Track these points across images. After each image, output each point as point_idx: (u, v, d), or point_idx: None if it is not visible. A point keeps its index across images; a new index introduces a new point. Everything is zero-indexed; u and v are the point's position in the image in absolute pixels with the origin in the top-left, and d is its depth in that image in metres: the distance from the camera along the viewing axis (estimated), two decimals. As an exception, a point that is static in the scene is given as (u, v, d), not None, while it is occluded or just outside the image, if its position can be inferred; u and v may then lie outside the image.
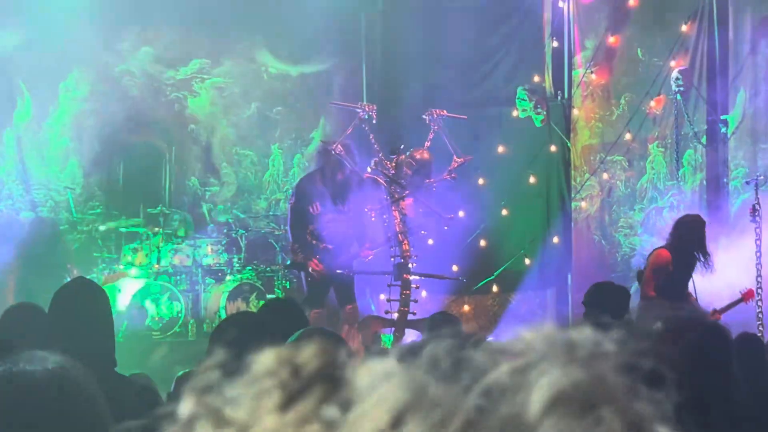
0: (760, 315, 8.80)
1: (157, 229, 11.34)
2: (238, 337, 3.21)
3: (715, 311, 8.07)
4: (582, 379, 0.57)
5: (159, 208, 11.58)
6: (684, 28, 11.06)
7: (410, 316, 8.76)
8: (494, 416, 0.55)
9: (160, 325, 10.90)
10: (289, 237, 9.81)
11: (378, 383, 0.58)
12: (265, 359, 0.60)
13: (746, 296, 8.30)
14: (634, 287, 8.68)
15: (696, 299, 8.14)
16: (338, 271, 9.48)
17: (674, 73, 11.01)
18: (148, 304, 10.91)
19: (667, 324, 2.07)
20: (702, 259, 8.01)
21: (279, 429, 0.56)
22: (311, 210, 9.29)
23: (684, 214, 8.91)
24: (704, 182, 10.92)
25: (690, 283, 8.12)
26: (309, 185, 9.53)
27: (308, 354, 0.60)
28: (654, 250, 8.43)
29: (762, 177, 9.43)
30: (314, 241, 9.28)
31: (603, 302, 5.35)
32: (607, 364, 0.58)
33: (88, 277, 9.87)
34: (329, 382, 0.58)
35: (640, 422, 0.57)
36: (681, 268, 8.00)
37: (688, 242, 8.08)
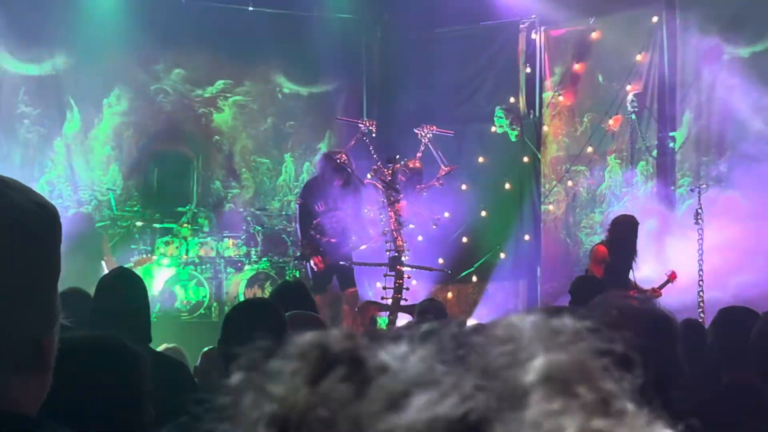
0: (701, 303, 8.81)
1: (186, 225, 11.35)
2: (246, 319, 3.21)
3: (654, 289, 8.37)
4: (564, 361, 0.58)
5: (188, 207, 11.59)
6: (639, 57, 11.06)
7: (402, 302, 8.76)
8: (491, 391, 0.56)
9: (188, 307, 10.90)
10: (298, 233, 9.80)
11: (393, 362, 0.59)
12: (300, 341, 0.61)
13: (671, 276, 8.47)
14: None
15: (636, 284, 8.28)
16: (341, 263, 9.48)
17: (630, 96, 11.01)
18: (178, 289, 10.92)
19: (623, 312, 2.07)
20: (634, 253, 8.17)
21: (310, 400, 0.58)
22: (317, 208, 9.29)
23: (619, 214, 8.93)
24: (655, 189, 10.92)
25: (630, 273, 8.24)
26: (315, 187, 9.52)
27: (336, 337, 0.61)
28: (593, 246, 8.50)
29: (704, 185, 9.43)
30: (318, 236, 9.28)
31: (586, 293, 5.33)
32: (584, 348, 0.59)
33: (125, 266, 9.97)
34: (353, 362, 0.59)
35: (610, 398, 0.58)
36: (618, 261, 8.13)
37: (621, 239, 8.18)
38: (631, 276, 8.29)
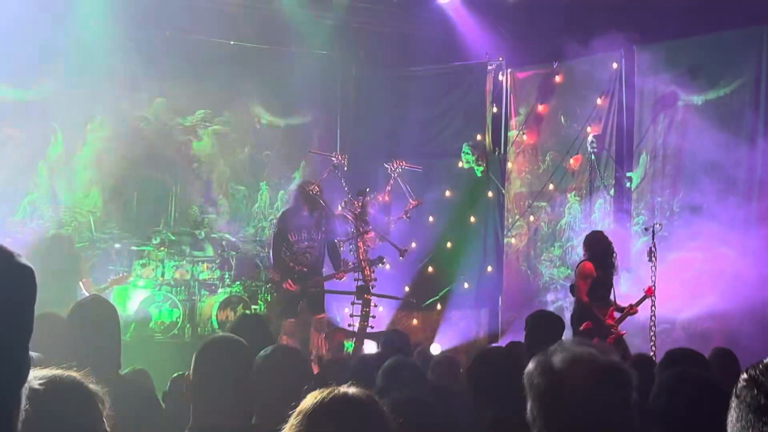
0: (653, 337, 8.87)
1: (162, 248, 11.28)
2: (223, 358, 3.19)
3: (631, 306, 8.55)
4: None
5: (165, 231, 11.52)
6: (599, 101, 11.18)
7: (369, 329, 8.74)
8: None
9: (162, 327, 10.82)
10: (271, 259, 9.74)
11: None
12: None
13: (648, 291, 8.59)
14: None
15: (615, 301, 8.48)
16: (312, 290, 9.44)
17: (590, 137, 11.11)
18: (153, 310, 10.85)
19: (577, 362, 2.04)
20: (613, 264, 8.35)
21: None
22: (290, 237, 9.25)
23: (590, 231, 9.06)
24: (611, 226, 10.99)
25: (611, 290, 8.40)
26: (290, 217, 9.47)
27: None
28: (579, 263, 8.58)
29: (658, 225, 9.51)
30: (291, 264, 9.23)
31: (542, 328, 5.31)
32: None
33: (102, 285, 9.88)
34: None
35: None
36: (602, 274, 8.29)
37: (600, 253, 8.36)
38: (611, 293, 8.46)
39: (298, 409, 2.07)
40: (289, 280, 8.96)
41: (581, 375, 1.99)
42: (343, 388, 2.10)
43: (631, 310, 8.48)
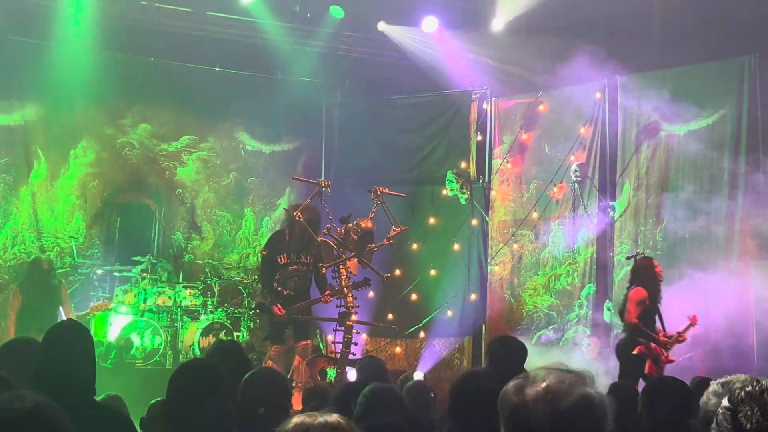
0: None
1: (145, 274, 11.20)
2: (197, 383, 3.15)
3: (679, 333, 8.46)
4: None
5: (148, 257, 11.44)
6: (582, 130, 11.22)
7: (351, 356, 8.67)
8: None
9: (143, 354, 10.71)
10: (261, 282, 9.66)
11: None
12: None
13: (693, 320, 8.54)
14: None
15: (662, 328, 8.41)
16: (295, 316, 9.37)
17: (573, 166, 11.14)
18: (134, 337, 10.74)
19: (551, 393, 2.01)
20: (659, 291, 8.32)
21: None
22: (279, 260, 9.21)
23: (641, 257, 8.92)
24: (594, 255, 11.01)
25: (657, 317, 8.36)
26: (278, 240, 9.45)
27: None
28: (630, 288, 8.46)
29: (641, 254, 9.50)
30: (279, 288, 9.17)
31: (503, 353, 5.24)
32: None
33: (83, 312, 9.79)
34: None
35: None
36: (650, 301, 8.27)
37: (650, 279, 8.32)
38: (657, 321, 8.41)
39: None
40: (278, 306, 8.90)
41: (550, 404, 1.96)
42: (323, 415, 2.11)
43: (680, 337, 8.43)
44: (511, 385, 2.01)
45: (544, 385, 1.98)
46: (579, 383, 1.99)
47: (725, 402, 1.61)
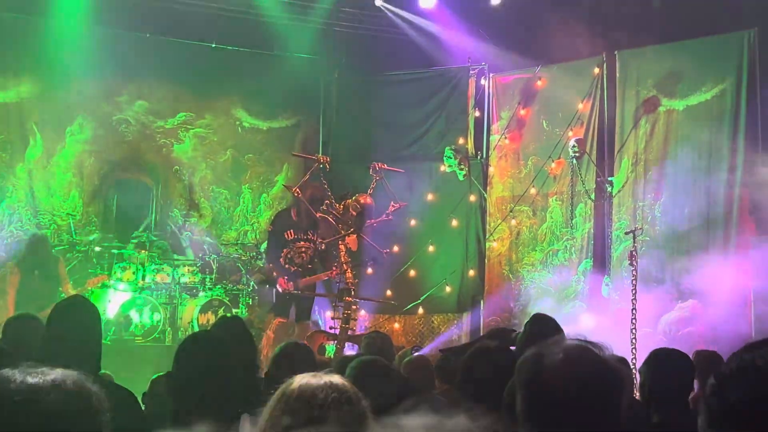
0: (633, 341, 8.86)
1: (143, 251, 11.18)
2: (203, 355, 3.15)
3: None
4: None
5: (146, 234, 11.43)
6: (580, 105, 11.19)
7: (350, 332, 8.70)
8: None
9: (142, 331, 10.73)
10: (265, 258, 9.70)
11: None
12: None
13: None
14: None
15: None
16: (295, 292, 9.41)
17: (571, 142, 11.12)
18: (133, 314, 10.75)
19: (568, 358, 2.02)
20: None
21: None
22: (286, 236, 9.23)
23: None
24: (592, 231, 11.02)
25: None
26: (284, 217, 9.49)
27: None
28: None
29: (639, 229, 9.52)
30: (287, 265, 9.22)
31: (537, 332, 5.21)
32: None
33: (82, 291, 9.80)
34: None
35: None
36: None
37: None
38: None
39: (281, 390, 2.12)
40: (283, 279, 8.95)
41: (568, 371, 1.97)
42: (326, 376, 2.19)
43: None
44: (529, 353, 2.02)
45: (562, 354, 1.99)
46: (596, 352, 2.00)
47: (712, 379, 1.63)
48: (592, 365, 1.96)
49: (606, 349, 2.01)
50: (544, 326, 5.17)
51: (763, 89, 9.68)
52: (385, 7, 12.17)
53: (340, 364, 5.14)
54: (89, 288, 10.23)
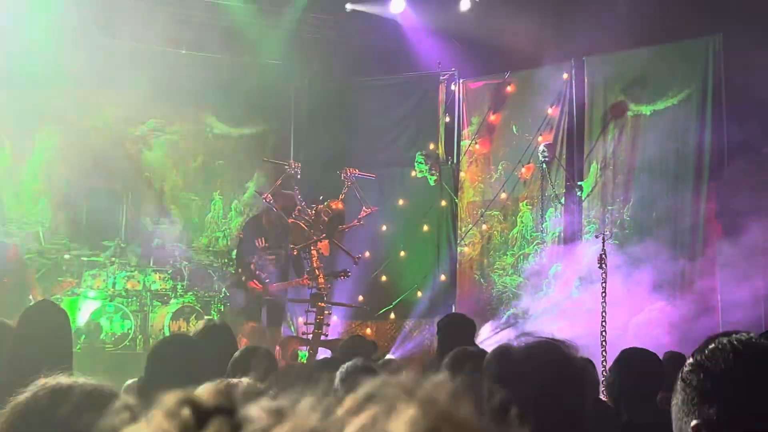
0: (604, 343, 8.95)
1: (113, 258, 11.11)
2: (176, 358, 3.16)
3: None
4: (435, 415, 0.58)
5: (116, 241, 11.35)
6: (550, 110, 11.30)
7: (323, 337, 8.71)
8: None
9: (113, 339, 10.65)
10: (236, 264, 9.70)
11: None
12: (166, 400, 0.59)
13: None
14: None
15: None
16: (267, 298, 9.40)
17: (541, 147, 11.22)
18: (104, 321, 10.67)
19: (530, 356, 2.07)
20: None
21: None
22: (256, 243, 9.23)
23: None
24: (562, 235, 11.11)
25: None
26: (255, 224, 9.48)
27: (207, 393, 0.59)
28: None
29: (608, 233, 9.62)
30: (258, 272, 9.22)
31: (455, 331, 5.29)
32: (459, 404, 0.60)
33: (51, 297, 9.71)
34: (227, 416, 0.58)
35: None
36: None
37: None
38: None
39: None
40: (254, 281, 8.95)
41: (533, 359, 2.01)
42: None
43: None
44: (497, 348, 2.06)
45: (526, 348, 2.03)
46: (562, 349, 2.04)
47: (690, 359, 1.65)
48: (556, 360, 2.00)
49: (573, 348, 2.05)
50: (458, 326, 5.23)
51: (729, 94, 9.83)
52: (355, 13, 12.21)
53: (320, 367, 5.16)
54: (57, 295, 10.15)
